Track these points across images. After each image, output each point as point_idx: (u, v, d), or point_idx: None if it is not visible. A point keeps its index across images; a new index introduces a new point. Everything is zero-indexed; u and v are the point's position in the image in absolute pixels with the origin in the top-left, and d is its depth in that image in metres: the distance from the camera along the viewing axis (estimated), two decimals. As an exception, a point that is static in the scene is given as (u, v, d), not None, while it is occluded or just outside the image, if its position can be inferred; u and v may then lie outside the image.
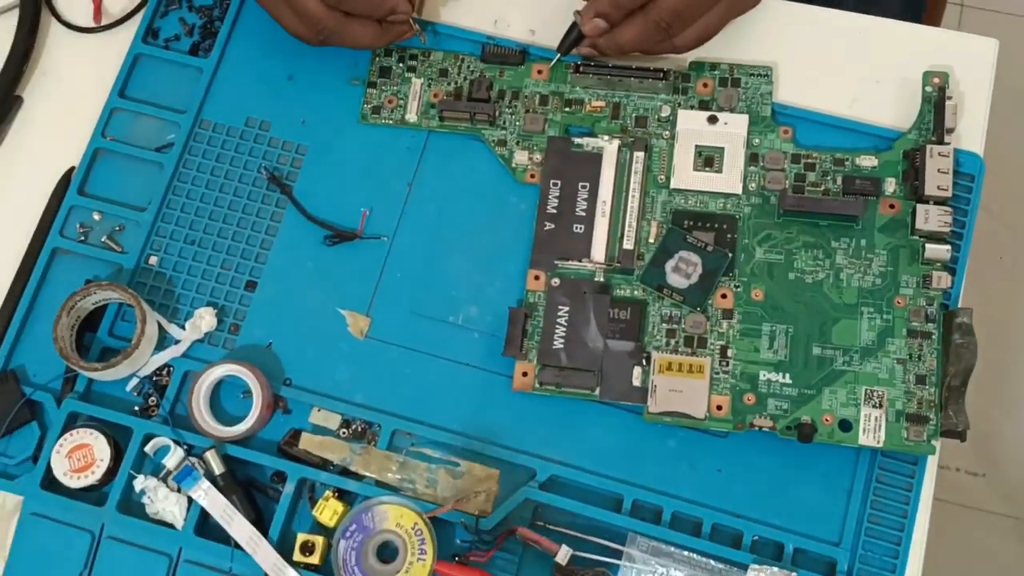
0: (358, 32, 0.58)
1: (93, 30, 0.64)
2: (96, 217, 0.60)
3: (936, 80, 0.58)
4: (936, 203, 0.55)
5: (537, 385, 0.55)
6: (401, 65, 0.61)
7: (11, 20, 0.63)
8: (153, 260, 0.59)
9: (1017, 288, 1.32)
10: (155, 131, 0.61)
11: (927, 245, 0.55)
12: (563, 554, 0.52)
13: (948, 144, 0.56)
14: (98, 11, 0.64)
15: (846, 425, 0.53)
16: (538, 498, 0.53)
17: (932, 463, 0.53)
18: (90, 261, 0.59)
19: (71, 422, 0.56)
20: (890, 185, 0.56)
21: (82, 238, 0.59)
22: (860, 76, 0.60)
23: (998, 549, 1.24)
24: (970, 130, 0.58)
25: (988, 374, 1.29)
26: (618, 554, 0.52)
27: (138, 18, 0.63)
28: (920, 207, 0.55)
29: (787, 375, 0.54)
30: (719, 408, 0.54)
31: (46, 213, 0.60)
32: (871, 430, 0.53)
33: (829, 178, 0.57)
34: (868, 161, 0.57)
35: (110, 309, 0.58)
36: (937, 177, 0.55)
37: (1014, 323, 1.30)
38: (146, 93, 0.62)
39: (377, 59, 0.61)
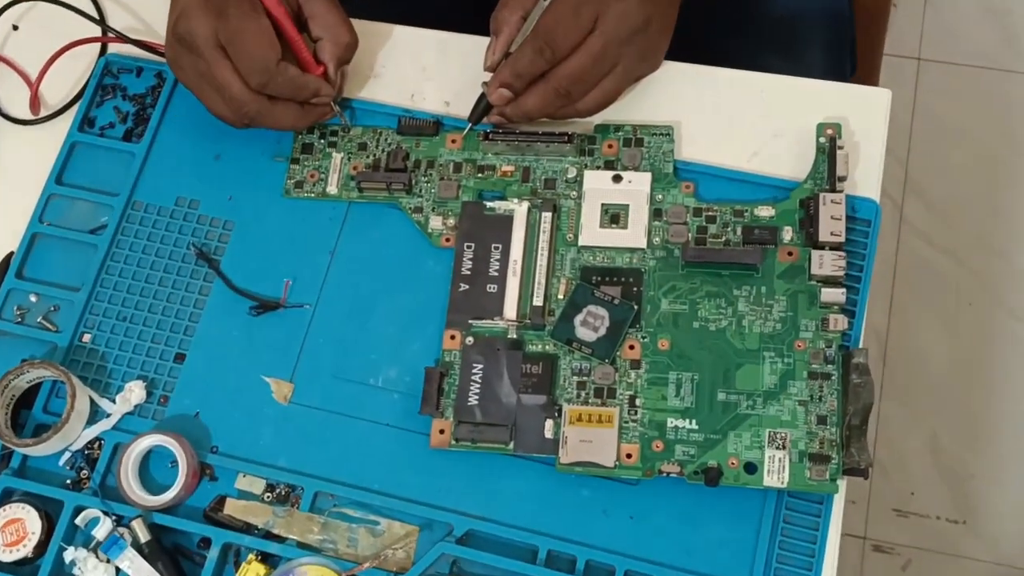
0: (281, 114, 0.61)
1: (33, 122, 0.67)
2: (33, 299, 0.62)
3: (829, 131, 0.60)
4: (832, 248, 0.57)
5: (453, 441, 0.56)
6: (322, 141, 0.64)
7: (-46, 116, 0.67)
8: (87, 338, 0.61)
9: (987, 333, 1.33)
10: (90, 214, 0.64)
11: (823, 289, 0.56)
12: (479, 607, 0.53)
13: (840, 192, 0.58)
14: (35, 103, 0.67)
15: (751, 468, 0.54)
16: (455, 553, 0.54)
17: (838, 501, 0.54)
18: (26, 341, 0.61)
19: (6, 497, 0.57)
20: (787, 233, 0.58)
21: (19, 319, 0.62)
22: (759, 131, 0.62)
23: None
24: (866, 177, 0.60)
25: (964, 420, 1.30)
26: (533, 605, 0.53)
27: (75, 108, 0.67)
28: (815, 253, 0.57)
29: (693, 421, 0.55)
30: (628, 456, 0.55)
31: (-15, 297, 0.62)
32: (775, 471, 0.54)
33: (729, 229, 0.59)
34: (766, 211, 0.59)
35: (44, 386, 0.60)
36: (831, 223, 0.57)
37: (987, 368, 1.31)
38: (82, 179, 0.65)
39: (300, 136, 0.64)
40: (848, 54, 0.87)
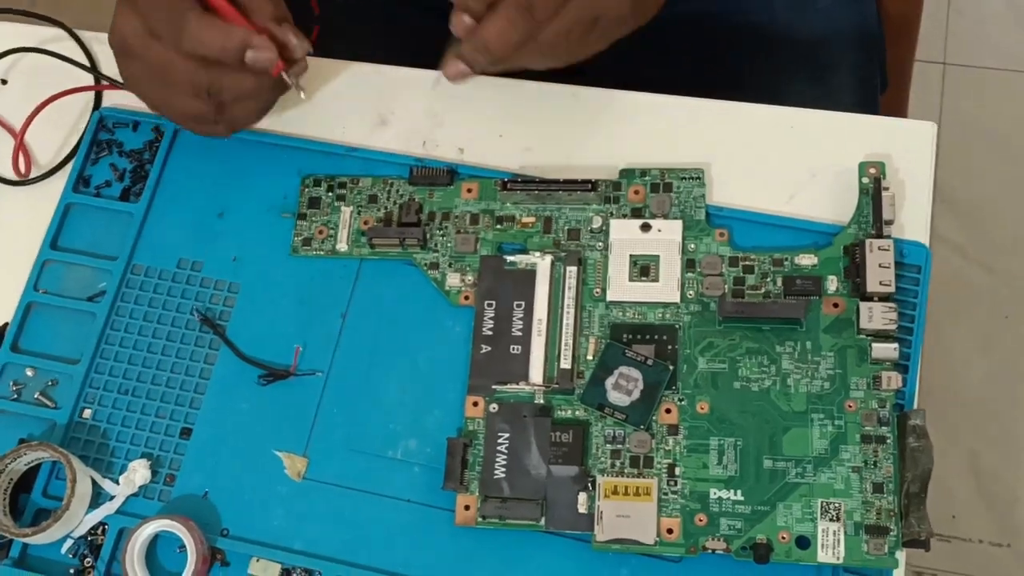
0: (240, 83, 0.56)
1: (24, 182, 0.64)
2: (29, 373, 0.59)
3: (872, 170, 0.56)
4: (880, 299, 0.53)
5: (480, 519, 0.53)
6: (330, 194, 0.60)
7: (-57, 179, 0.63)
8: (87, 413, 0.58)
9: (1025, 347, 1.28)
10: (87, 280, 0.61)
11: (874, 344, 0.52)
12: None
13: (888, 237, 0.54)
14: (18, 160, 0.64)
15: (803, 542, 0.50)
16: (486, 642, 0.51)
17: (898, 576, 0.50)
18: (23, 419, 0.58)
19: (5, 590, 0.54)
20: (832, 283, 0.54)
21: (15, 396, 0.58)
22: (795, 171, 0.58)
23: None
24: (913, 218, 0.56)
25: (1005, 438, 1.25)
26: None
27: (69, 167, 0.63)
28: (863, 305, 0.53)
29: (739, 491, 0.51)
30: (670, 532, 0.51)
31: (-21, 372, 0.59)
32: (830, 545, 0.50)
33: (769, 280, 0.55)
34: (808, 259, 0.55)
35: (44, 468, 0.57)
36: (879, 272, 0.53)
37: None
38: (78, 242, 0.62)
39: (306, 190, 0.61)
40: (878, 72, 0.83)
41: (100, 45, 0.66)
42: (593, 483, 0.52)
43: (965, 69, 1.44)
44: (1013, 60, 1.42)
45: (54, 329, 0.60)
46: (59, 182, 0.63)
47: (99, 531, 0.55)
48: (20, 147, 0.64)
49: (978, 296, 1.32)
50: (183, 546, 0.54)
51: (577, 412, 0.54)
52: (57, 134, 0.65)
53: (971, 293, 1.32)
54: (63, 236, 0.62)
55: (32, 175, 0.64)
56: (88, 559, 0.55)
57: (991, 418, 1.25)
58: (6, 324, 0.60)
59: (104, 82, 0.64)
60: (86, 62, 0.66)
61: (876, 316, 0.52)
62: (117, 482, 0.56)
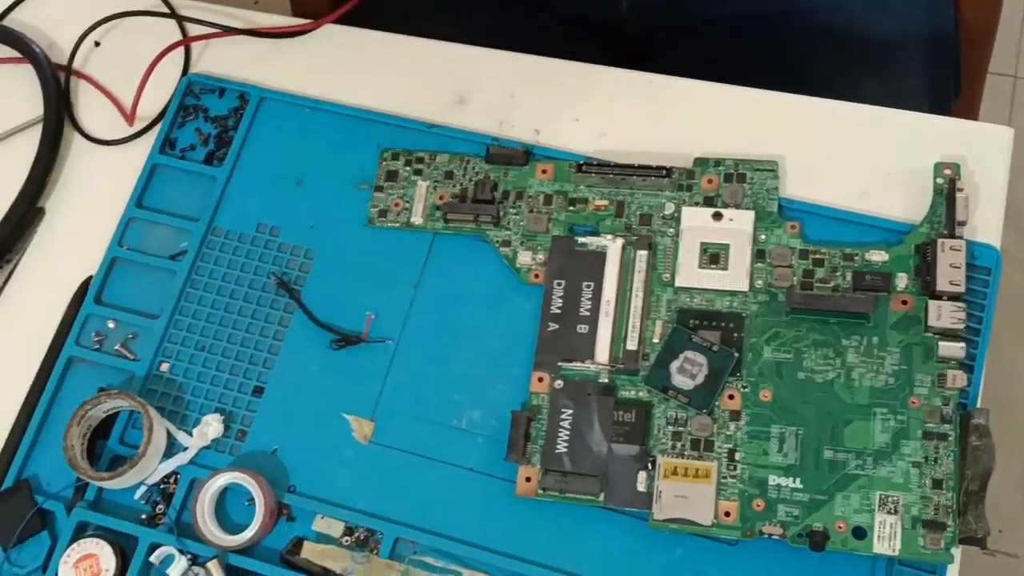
0: None
1: (114, 142, 0.66)
2: (111, 325, 0.61)
3: (947, 171, 0.56)
4: (950, 299, 0.53)
5: (540, 491, 0.54)
6: (408, 168, 0.62)
7: (35, 134, 0.66)
8: (164, 367, 0.60)
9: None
10: (169, 239, 0.63)
11: (940, 343, 0.53)
12: (565, 670, 0.50)
13: (960, 238, 0.54)
14: (133, 112, 0.66)
15: (860, 532, 0.51)
16: (541, 610, 0.52)
17: (952, 572, 0.51)
18: (104, 369, 0.60)
19: (80, 531, 0.56)
20: (902, 280, 0.55)
21: (97, 346, 0.61)
22: (869, 168, 0.58)
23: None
24: (986, 221, 0.57)
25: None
26: (623, 670, 0.50)
27: (156, 130, 0.65)
28: (933, 303, 0.53)
29: (797, 480, 0.52)
30: (727, 515, 0.52)
31: (63, 322, 0.61)
32: (886, 537, 0.50)
33: (839, 274, 0.56)
34: (879, 256, 0.55)
35: (121, 416, 0.59)
36: (949, 272, 0.53)
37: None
38: (162, 202, 0.64)
39: (384, 163, 0.62)
40: (952, 78, 0.83)
41: (187, 11, 0.68)
42: (653, 463, 0.53)
43: (1037, 82, 1.42)
44: (1085, 75, 1.40)
45: (136, 284, 0.62)
46: (146, 144, 0.65)
47: (171, 480, 0.57)
48: (136, 107, 0.65)
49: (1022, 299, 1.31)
50: (251, 499, 0.55)
51: (640, 393, 0.55)
52: (144, 99, 0.66)
53: (1013, 296, 1.31)
54: (148, 196, 0.64)
55: (119, 136, 0.66)
56: (160, 506, 0.57)
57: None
58: (90, 277, 0.62)
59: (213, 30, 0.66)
60: (177, 25, 0.68)
61: (945, 315, 0.53)
62: (191, 434, 0.58)
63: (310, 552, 0.55)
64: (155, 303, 0.61)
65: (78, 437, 0.57)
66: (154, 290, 0.62)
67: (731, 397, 0.54)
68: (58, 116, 0.66)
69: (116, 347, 0.60)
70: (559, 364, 0.56)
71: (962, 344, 0.52)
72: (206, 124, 0.65)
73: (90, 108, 0.67)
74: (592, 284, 0.57)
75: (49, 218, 0.65)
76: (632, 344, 0.56)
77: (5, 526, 0.56)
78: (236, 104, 0.66)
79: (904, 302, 0.54)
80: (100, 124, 0.67)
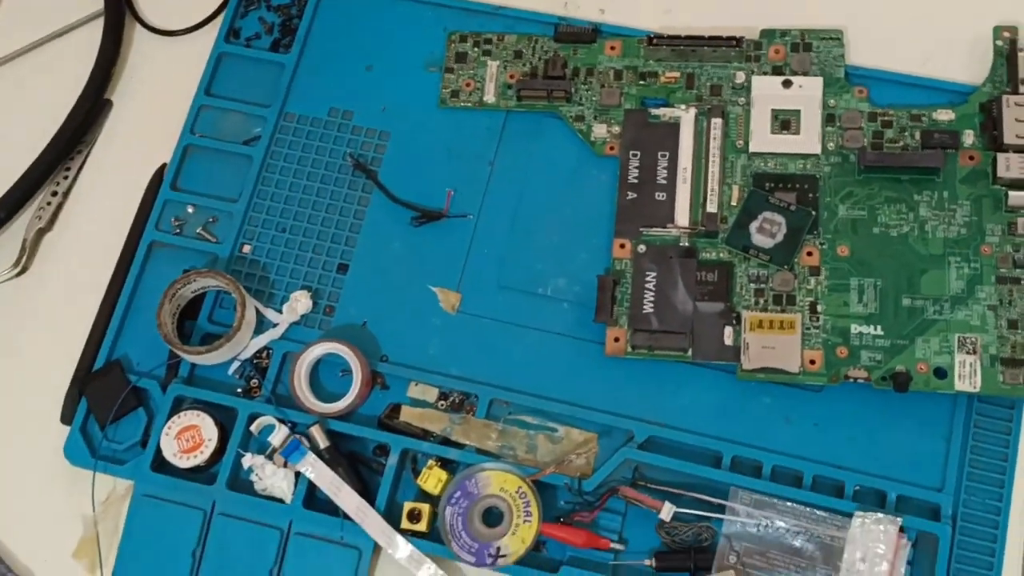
0: None
1: (176, 33, 0.66)
2: (190, 210, 0.62)
3: (1006, 33, 0.58)
4: (1015, 151, 0.56)
5: (630, 349, 0.56)
6: (476, 49, 0.63)
7: (98, 27, 0.66)
8: (247, 248, 0.61)
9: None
10: (241, 126, 0.63)
11: (1010, 192, 0.55)
12: (667, 511, 0.52)
13: (1023, 94, 0.56)
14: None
15: (941, 373, 0.53)
16: (638, 458, 0.54)
17: (1029, 406, 0.54)
18: (186, 252, 0.61)
19: (177, 406, 0.57)
20: (968, 137, 0.57)
21: (177, 231, 0.61)
22: (930, 35, 0.61)
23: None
24: (1043, 81, 0.59)
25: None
26: (721, 509, 0.53)
27: (219, 21, 0.66)
28: (1000, 156, 0.56)
29: (878, 327, 0.54)
30: (812, 363, 0.54)
31: (141, 209, 0.62)
32: (967, 376, 0.53)
33: (907, 134, 0.58)
34: (945, 115, 0.58)
35: (208, 297, 0.60)
36: (1015, 126, 0.56)
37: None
38: (231, 90, 0.64)
39: (452, 45, 0.63)
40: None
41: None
42: (738, 318, 0.55)
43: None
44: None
45: (211, 171, 0.63)
46: (208, 35, 0.65)
47: (264, 355, 0.58)
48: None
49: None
50: (345, 370, 0.57)
51: (721, 254, 0.57)
52: (204, -9, 0.67)
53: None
54: (216, 84, 0.64)
55: (181, 27, 0.66)
56: (255, 380, 0.58)
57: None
58: (164, 165, 0.63)
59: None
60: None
61: (1013, 165, 0.55)
62: (280, 311, 0.59)
63: (409, 416, 0.56)
64: (233, 188, 0.62)
65: (170, 315, 0.58)
66: (230, 175, 0.62)
67: (810, 254, 0.56)
68: (118, 6, 0.66)
69: (197, 231, 0.61)
70: (640, 230, 0.58)
71: (1032, 192, 0.55)
72: (269, 13, 0.66)
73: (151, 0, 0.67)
74: (667, 153, 0.59)
75: (117, 109, 0.65)
76: (711, 207, 0.58)
77: (101, 405, 0.57)
78: (298, -7, 0.66)
79: (971, 157, 0.57)
80: (162, 15, 0.67)
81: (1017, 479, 0.53)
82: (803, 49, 0.60)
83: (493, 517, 0.53)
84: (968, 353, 0.53)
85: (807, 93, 0.59)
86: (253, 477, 0.55)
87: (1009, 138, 0.56)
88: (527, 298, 0.58)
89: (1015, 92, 0.57)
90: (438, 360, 0.58)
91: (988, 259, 0.55)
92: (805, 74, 0.60)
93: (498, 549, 0.52)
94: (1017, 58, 0.57)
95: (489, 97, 0.62)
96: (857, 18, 0.61)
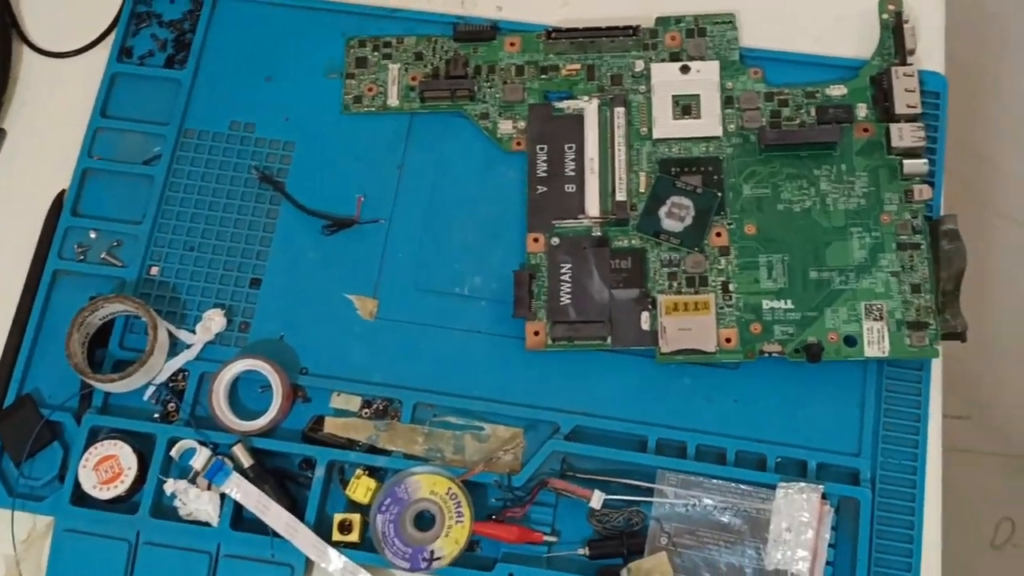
0: None
1: (67, 54, 0.65)
2: (92, 235, 0.60)
3: (891, 7, 0.60)
4: (908, 120, 0.57)
5: (550, 342, 0.56)
6: (376, 53, 0.63)
7: (-17, 54, 0.64)
8: (155, 270, 0.59)
9: (978, 235, 1.36)
10: (141, 146, 0.62)
11: (905, 161, 0.57)
12: (596, 499, 0.53)
13: (911, 64, 0.58)
14: None
15: (851, 341, 0.55)
16: (565, 449, 0.54)
17: (936, 366, 0.55)
18: (92, 279, 0.59)
19: (93, 437, 0.56)
20: (861, 110, 0.59)
21: (81, 257, 0.60)
22: (819, 13, 0.62)
23: (990, 486, 1.27)
24: (929, 51, 0.61)
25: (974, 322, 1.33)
26: (649, 492, 0.53)
27: (110, 40, 0.64)
28: (893, 126, 0.57)
29: (789, 301, 0.56)
30: (728, 341, 0.55)
31: (42, 237, 0.60)
32: (875, 342, 0.54)
33: (803, 111, 0.59)
34: (838, 90, 0.59)
35: (117, 323, 0.58)
36: (905, 96, 0.57)
37: (981, 268, 1.33)
38: (127, 110, 0.63)
39: (352, 50, 0.63)
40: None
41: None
42: (654, 302, 0.56)
43: None
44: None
45: (112, 193, 0.61)
46: (101, 55, 0.64)
47: (179, 378, 0.57)
48: None
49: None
50: (265, 385, 0.56)
51: (633, 241, 0.58)
52: (91, 9, 0.65)
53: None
54: (111, 105, 0.63)
55: (71, 48, 0.65)
56: (172, 403, 0.57)
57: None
58: (64, 190, 0.61)
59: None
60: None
61: (906, 135, 0.57)
62: (193, 331, 0.58)
63: (333, 426, 0.56)
64: (136, 209, 0.61)
65: (79, 344, 0.57)
66: (133, 196, 0.61)
67: (718, 234, 0.57)
68: (4, 29, 0.64)
69: (102, 256, 0.60)
70: (552, 223, 0.58)
71: (924, 160, 0.57)
72: (161, 29, 0.65)
73: (36, 21, 0.66)
74: (574, 145, 0.60)
75: (11, 136, 0.63)
76: (620, 196, 0.58)
77: (15, 442, 0.56)
78: (189, 7, 0.65)
79: (866, 129, 0.58)
80: (51, 37, 0.65)
81: (930, 438, 0.54)
82: (698, 34, 0.61)
83: (425, 521, 0.53)
84: (875, 320, 0.55)
85: (705, 77, 0.60)
86: (177, 503, 0.54)
87: (900, 108, 0.57)
88: (445, 299, 0.58)
89: (903, 63, 0.58)
90: (359, 368, 0.57)
91: (888, 227, 0.56)
92: (702, 59, 0.61)
93: (432, 552, 0.52)
94: (903, 30, 0.59)
95: (392, 100, 0.62)
96: (748, 1, 0.62)
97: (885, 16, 0.60)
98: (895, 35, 0.59)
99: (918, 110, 0.57)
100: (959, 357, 1.28)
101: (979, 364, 1.30)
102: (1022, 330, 1.29)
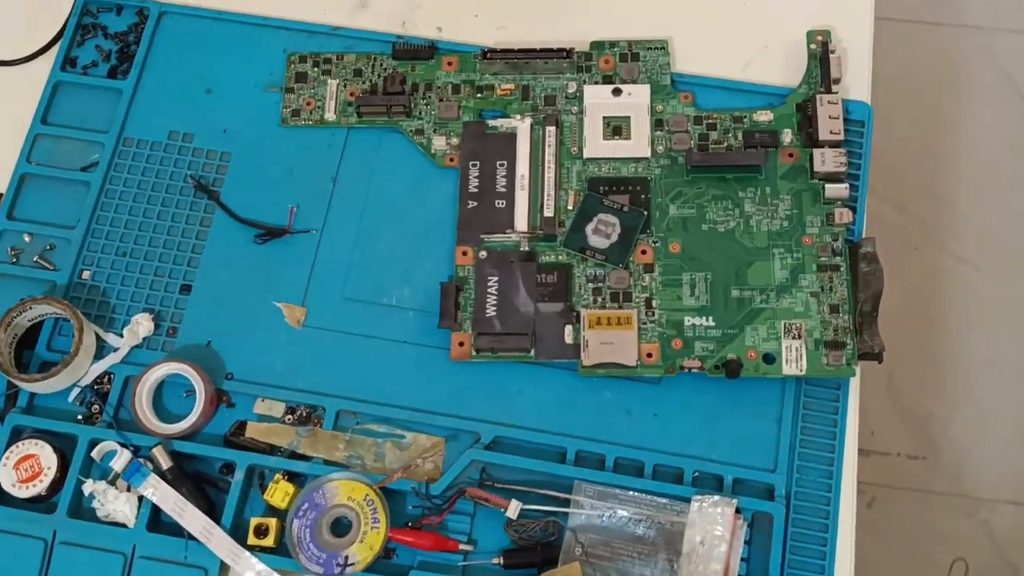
0: None
1: (11, 62, 0.65)
2: (26, 239, 0.61)
3: (819, 37, 0.62)
4: (831, 146, 0.59)
5: (474, 353, 0.57)
6: (316, 69, 0.64)
7: (-72, 59, 0.64)
8: (86, 275, 0.60)
9: (935, 276, 1.37)
10: (79, 152, 0.63)
11: (827, 185, 0.58)
12: (513, 508, 0.53)
13: (836, 92, 0.60)
14: None
15: (770, 358, 0.55)
16: (484, 459, 0.55)
17: (854, 386, 0.56)
18: (23, 281, 0.60)
19: (16, 436, 0.56)
20: (787, 136, 0.60)
21: (14, 260, 0.60)
22: (749, 42, 0.64)
23: (944, 526, 1.27)
24: (856, 80, 0.62)
25: (918, 361, 1.34)
26: (566, 503, 0.53)
27: (55, 49, 0.65)
28: (816, 152, 0.59)
29: (710, 318, 0.56)
30: (649, 356, 0.56)
31: (-25, 239, 0.61)
32: (793, 360, 0.55)
33: (730, 135, 0.60)
34: (764, 116, 0.61)
35: (46, 325, 0.59)
36: (829, 123, 0.59)
37: (936, 309, 1.35)
38: (68, 118, 0.64)
39: (292, 66, 0.64)
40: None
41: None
42: (578, 317, 0.57)
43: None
44: (914, 11, 1.51)
45: (49, 198, 0.62)
46: (46, 64, 0.65)
47: (105, 380, 0.57)
48: None
49: (893, 233, 1.41)
50: (190, 390, 0.56)
51: (560, 256, 0.59)
52: (39, 19, 0.66)
53: (882, 228, 1.41)
54: (53, 112, 0.64)
55: (15, 57, 0.65)
56: (96, 405, 0.57)
57: (906, 343, 1.34)
58: (0, 195, 0.62)
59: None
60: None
61: (828, 160, 0.58)
62: (121, 335, 0.58)
63: (254, 431, 0.56)
64: (70, 214, 0.61)
65: (6, 344, 0.57)
66: (69, 202, 0.62)
67: (643, 252, 0.58)
68: (-50, 38, 0.65)
69: (34, 259, 0.60)
70: (481, 237, 0.59)
71: (846, 185, 0.58)
72: (106, 41, 0.66)
73: (-18, 32, 0.67)
74: (505, 162, 0.61)
75: (-50, 140, 0.64)
76: (548, 212, 0.59)
77: (-66, 440, 0.56)
78: (135, 20, 0.66)
79: (791, 155, 0.60)
80: (-5, 44, 0.66)
81: (846, 456, 0.55)
82: (631, 59, 0.63)
83: (342, 527, 0.53)
84: (794, 338, 0.56)
85: (636, 100, 0.61)
86: (95, 503, 0.54)
87: (824, 135, 0.59)
88: (372, 308, 0.59)
89: (828, 91, 0.60)
90: (284, 375, 0.57)
91: (809, 249, 0.58)
92: (634, 82, 0.62)
93: (346, 558, 0.52)
94: (829, 59, 0.60)
95: (330, 115, 0.63)
96: (681, 29, 0.64)
97: (813, 46, 0.62)
98: (821, 64, 0.61)
99: (840, 136, 0.58)
100: (915, 397, 1.30)
101: (935, 405, 1.31)
102: (978, 371, 1.31)
